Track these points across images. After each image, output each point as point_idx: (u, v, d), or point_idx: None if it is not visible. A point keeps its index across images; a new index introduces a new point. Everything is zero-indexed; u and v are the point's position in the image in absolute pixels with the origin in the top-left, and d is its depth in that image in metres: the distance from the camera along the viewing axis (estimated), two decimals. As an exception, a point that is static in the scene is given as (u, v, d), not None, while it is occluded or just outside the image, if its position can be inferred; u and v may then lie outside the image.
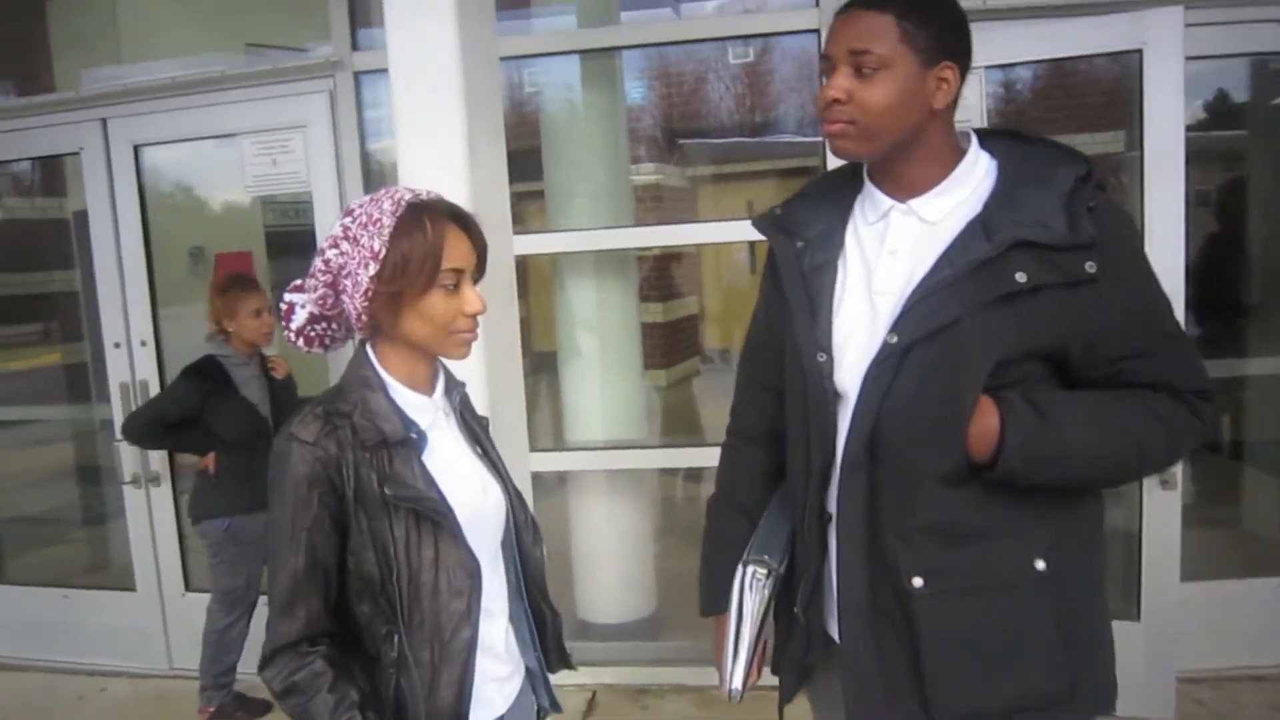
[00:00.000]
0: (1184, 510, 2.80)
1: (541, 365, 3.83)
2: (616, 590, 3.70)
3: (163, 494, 3.75)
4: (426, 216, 1.28)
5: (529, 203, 3.97)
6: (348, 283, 1.29)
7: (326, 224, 3.44)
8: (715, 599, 1.51)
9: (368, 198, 1.33)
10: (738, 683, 1.41)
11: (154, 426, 3.08)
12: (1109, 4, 2.86)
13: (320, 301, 1.34)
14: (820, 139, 3.62)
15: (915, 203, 1.31)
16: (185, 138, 3.67)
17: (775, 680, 1.52)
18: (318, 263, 1.32)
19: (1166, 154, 2.68)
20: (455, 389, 1.47)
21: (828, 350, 1.33)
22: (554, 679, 1.58)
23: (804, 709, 1.58)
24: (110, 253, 3.68)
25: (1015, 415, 1.22)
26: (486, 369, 2.31)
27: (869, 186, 1.37)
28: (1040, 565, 1.25)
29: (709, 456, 3.67)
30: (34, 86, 4.18)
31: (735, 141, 7.81)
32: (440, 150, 2.27)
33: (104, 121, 3.62)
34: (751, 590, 1.40)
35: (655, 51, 5.73)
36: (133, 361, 3.70)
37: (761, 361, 1.51)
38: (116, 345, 3.71)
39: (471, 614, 1.33)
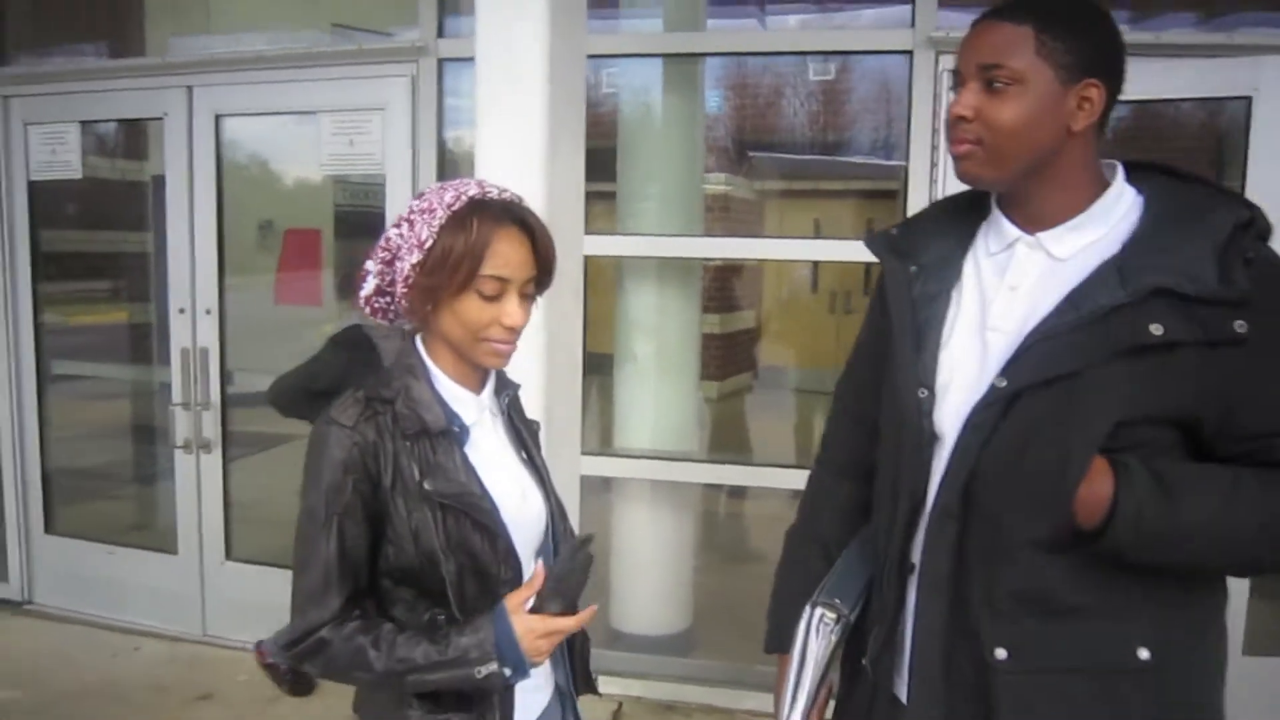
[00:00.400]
0: (1252, 581, 2.67)
1: (593, 367, 3.79)
2: (652, 602, 3.65)
3: (213, 461, 3.78)
4: (479, 216, 1.23)
5: (596, 203, 3.93)
6: (398, 265, 1.26)
7: (397, 208, 3.42)
8: (780, 636, 1.43)
9: (440, 184, 1.29)
10: None
11: (299, 394, 3.01)
12: (1219, 47, 2.75)
13: (380, 276, 1.31)
14: (899, 164, 3.56)
15: (1044, 236, 1.20)
16: (266, 111, 3.70)
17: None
18: (383, 239, 1.29)
19: (1277, 203, 2.56)
20: (506, 390, 1.42)
21: (930, 387, 1.23)
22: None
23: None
24: (184, 219, 3.72)
25: (1132, 484, 1.09)
26: (546, 368, 2.28)
27: (996, 214, 1.27)
28: (1144, 654, 1.13)
29: (756, 476, 3.67)
30: (124, 50, 4.26)
31: (808, 159, 7.73)
32: (520, 145, 2.24)
33: (189, 89, 3.66)
34: (817, 634, 1.32)
35: (733, 61, 5.68)
36: (195, 328, 3.74)
37: (859, 390, 1.43)
38: (181, 311, 3.75)
39: None
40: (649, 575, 3.65)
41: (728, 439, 5.64)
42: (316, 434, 1.26)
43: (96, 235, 4.58)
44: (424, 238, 1.22)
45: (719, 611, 3.85)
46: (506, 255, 1.24)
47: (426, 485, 1.23)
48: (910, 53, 3.03)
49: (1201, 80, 2.68)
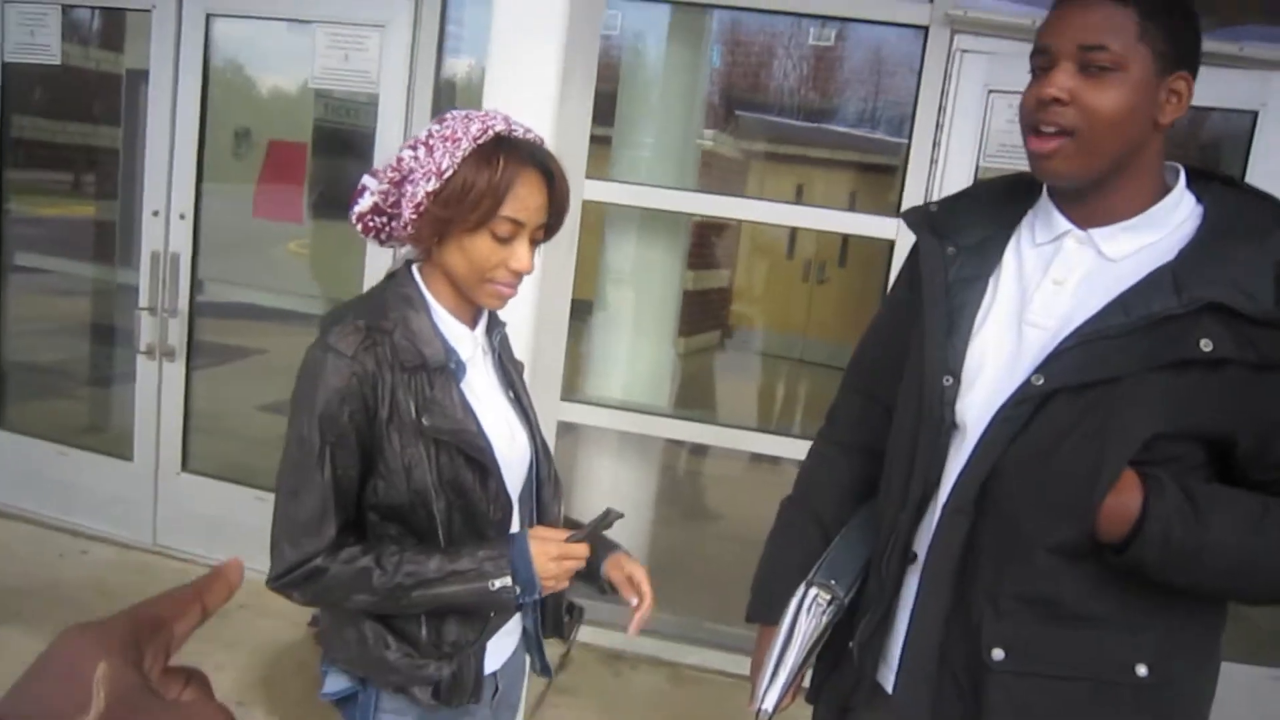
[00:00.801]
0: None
1: (572, 313, 3.78)
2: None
3: (175, 369, 3.71)
4: (505, 154, 1.20)
5: (591, 147, 3.87)
6: (409, 189, 1.23)
7: (390, 129, 3.36)
8: (765, 607, 1.42)
9: (463, 112, 1.25)
10: (770, 703, 1.32)
11: None
12: (1226, 57, 2.76)
13: (383, 196, 1.27)
14: (893, 139, 3.55)
15: (1097, 233, 1.16)
16: (261, 15, 3.56)
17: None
18: (393, 159, 1.26)
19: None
20: (497, 328, 1.41)
21: (956, 374, 1.19)
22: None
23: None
24: (165, 119, 3.59)
25: (1163, 500, 1.06)
26: (535, 312, 2.26)
27: (1045, 202, 1.22)
28: (1142, 670, 1.11)
29: (720, 436, 3.69)
30: (112, -65, 4.07)
31: (796, 124, 7.67)
32: (532, 82, 2.19)
33: (180, -17, 3.52)
34: (809, 613, 1.30)
35: (729, 15, 5.60)
36: (168, 233, 3.63)
37: (875, 367, 1.40)
38: (155, 214, 3.64)
39: None
40: (607, 524, 3.67)
41: (694, 397, 5.67)
42: (312, 359, 1.23)
43: (66, 126, 4.41)
44: (444, 166, 1.19)
45: (672, 567, 3.90)
46: (525, 199, 1.22)
47: (424, 421, 1.22)
48: (926, 28, 3.00)
49: (1209, 91, 2.68)
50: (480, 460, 1.26)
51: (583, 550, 1.28)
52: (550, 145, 2.19)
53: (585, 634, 3.44)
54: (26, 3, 3.72)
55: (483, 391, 1.34)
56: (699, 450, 4.72)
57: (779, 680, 1.31)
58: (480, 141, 1.20)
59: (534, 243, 1.27)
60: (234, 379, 4.06)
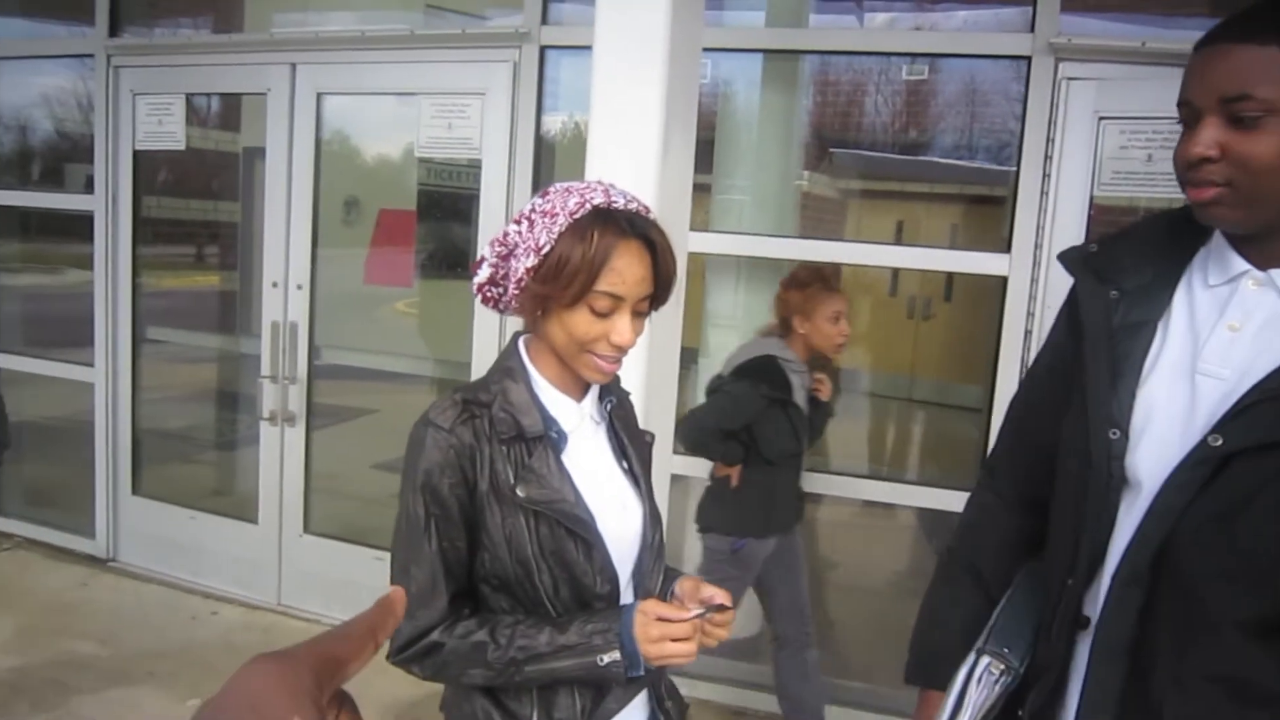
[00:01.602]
0: None
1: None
2: (722, 603, 3.61)
3: (296, 434, 3.84)
4: (600, 228, 1.17)
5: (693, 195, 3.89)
6: (513, 263, 1.22)
7: (492, 191, 3.44)
8: (927, 671, 1.35)
9: (565, 185, 1.24)
10: None
11: (714, 435, 2.78)
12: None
13: (494, 267, 1.27)
14: (995, 168, 3.45)
15: (1279, 274, 1.07)
16: (368, 91, 3.73)
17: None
18: (501, 232, 1.25)
19: None
20: (610, 397, 1.37)
21: (1123, 428, 1.10)
22: None
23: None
24: (281, 194, 3.77)
25: None
26: (646, 370, 2.25)
27: (1219, 241, 1.12)
28: None
29: (830, 484, 3.61)
30: (226, 25, 4.34)
31: (892, 157, 7.57)
32: (634, 138, 2.21)
33: (293, 66, 3.70)
34: (980, 683, 1.22)
35: (820, 56, 5.58)
36: (287, 302, 3.79)
37: (1035, 415, 1.31)
38: (274, 284, 3.81)
39: None
40: (721, 576, 3.61)
41: (805, 443, 5.56)
42: (415, 436, 1.23)
43: (189, 203, 4.68)
44: (541, 242, 1.18)
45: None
46: (623, 272, 1.18)
47: (519, 491, 1.20)
48: (1029, 58, 2.93)
49: None
50: (580, 533, 1.23)
51: (684, 630, 1.23)
52: (654, 200, 2.22)
53: (703, 689, 3.38)
54: (155, 94, 3.96)
55: (590, 463, 1.30)
56: (810, 499, 4.62)
57: None
58: (576, 216, 1.18)
59: (639, 315, 1.24)
60: (348, 439, 4.18)
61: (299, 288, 3.77)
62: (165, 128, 3.95)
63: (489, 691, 1.28)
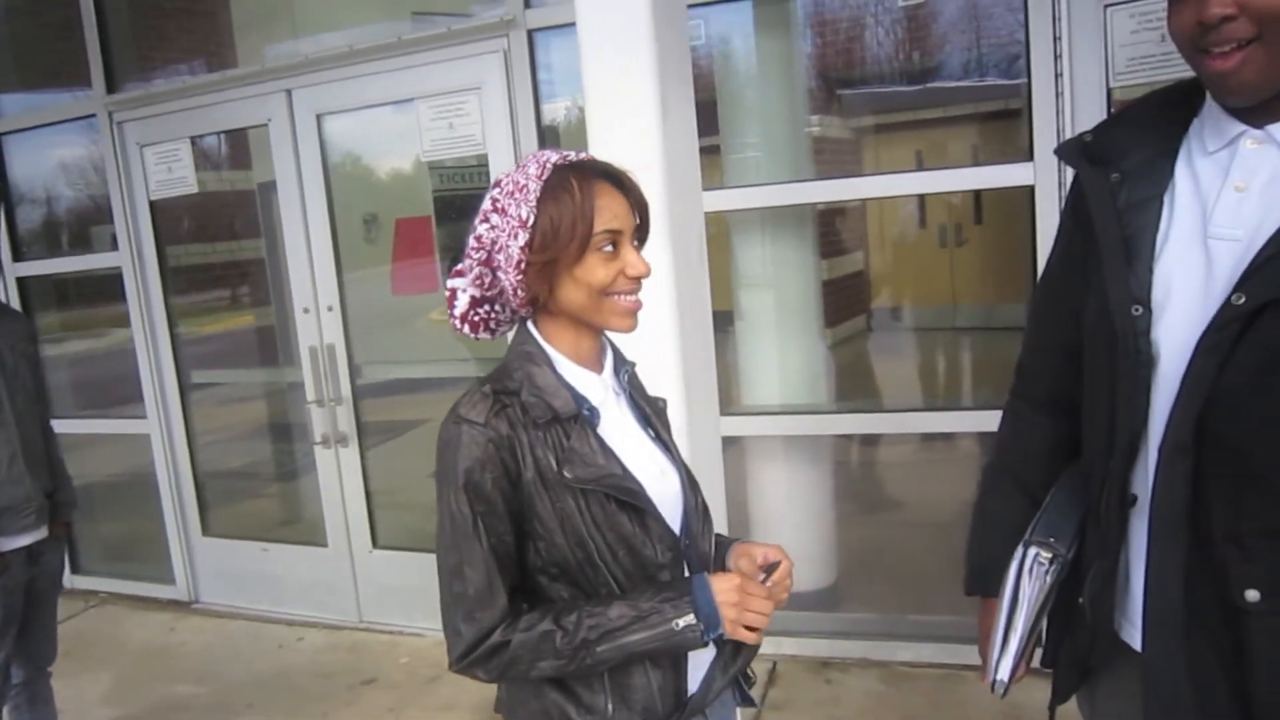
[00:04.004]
0: None
1: (714, 326, 3.74)
2: (794, 559, 3.59)
3: (350, 454, 3.88)
4: (573, 177, 1.18)
5: (701, 158, 3.84)
6: (500, 257, 1.20)
7: (503, 185, 3.42)
8: (983, 579, 1.37)
9: (514, 167, 1.24)
10: (1004, 674, 1.25)
11: None
12: None
13: (478, 282, 1.25)
14: (1005, 82, 3.36)
15: (1277, 128, 1.05)
16: (365, 105, 3.72)
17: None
18: (471, 241, 1.23)
19: None
20: (624, 367, 1.36)
21: (1145, 303, 1.10)
22: None
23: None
24: (297, 221, 3.79)
25: None
26: (679, 332, 2.23)
27: (1211, 107, 1.12)
28: None
29: (888, 423, 3.56)
30: (220, 64, 4.36)
31: (902, 90, 7.42)
32: (631, 107, 2.18)
33: (289, 93, 3.72)
34: (1031, 575, 1.23)
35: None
36: (320, 326, 3.83)
37: (1055, 314, 1.31)
38: (305, 310, 3.84)
39: None
40: (788, 532, 3.59)
41: (853, 387, 5.50)
42: (447, 434, 1.20)
43: (214, 247, 4.74)
44: (525, 215, 1.17)
45: (863, 564, 3.78)
46: (612, 208, 1.20)
47: (566, 473, 1.18)
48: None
49: None
50: (633, 503, 1.22)
51: (761, 589, 1.22)
52: (661, 164, 2.19)
53: (789, 645, 3.37)
54: (159, 143, 4.00)
55: (623, 434, 1.29)
56: (868, 440, 4.57)
57: (1010, 648, 1.25)
58: (544, 178, 1.19)
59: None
60: (404, 452, 4.22)
61: (330, 309, 3.80)
62: (175, 174, 4.00)
63: (560, 685, 1.25)
